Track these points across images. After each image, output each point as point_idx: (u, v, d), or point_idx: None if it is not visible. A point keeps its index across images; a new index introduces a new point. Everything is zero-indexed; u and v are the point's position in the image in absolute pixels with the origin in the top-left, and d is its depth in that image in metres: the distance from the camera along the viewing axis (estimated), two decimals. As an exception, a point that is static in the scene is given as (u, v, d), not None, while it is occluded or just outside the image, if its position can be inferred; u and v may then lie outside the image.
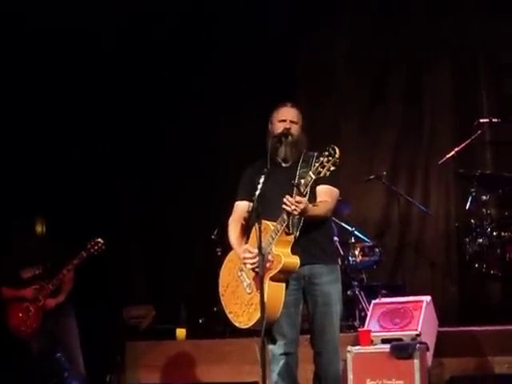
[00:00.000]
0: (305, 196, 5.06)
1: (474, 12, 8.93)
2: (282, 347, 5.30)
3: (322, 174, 4.97)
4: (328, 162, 4.94)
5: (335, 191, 5.39)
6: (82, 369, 7.29)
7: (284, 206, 5.03)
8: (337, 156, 4.92)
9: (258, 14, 9.44)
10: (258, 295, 5.08)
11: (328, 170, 4.95)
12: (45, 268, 7.39)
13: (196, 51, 9.69)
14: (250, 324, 5.25)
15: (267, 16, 9.40)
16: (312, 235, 5.29)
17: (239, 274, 5.37)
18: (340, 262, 8.17)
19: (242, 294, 5.33)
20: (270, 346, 5.30)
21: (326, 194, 5.32)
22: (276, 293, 5.14)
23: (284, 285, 5.21)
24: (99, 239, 7.27)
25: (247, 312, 5.26)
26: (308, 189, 5.06)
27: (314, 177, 5.00)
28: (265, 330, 4.98)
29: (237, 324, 5.35)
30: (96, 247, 7.26)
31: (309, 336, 5.40)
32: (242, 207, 5.51)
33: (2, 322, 7.41)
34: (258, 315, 5.12)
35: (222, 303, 5.45)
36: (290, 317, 5.31)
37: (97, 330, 8.44)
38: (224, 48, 9.71)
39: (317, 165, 4.97)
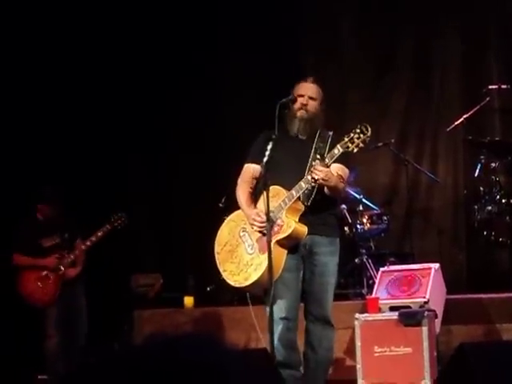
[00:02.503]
0: (328, 167, 5.08)
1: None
2: (283, 311, 5.31)
3: (350, 149, 5.04)
4: (358, 138, 5.00)
5: (347, 171, 5.44)
6: (83, 341, 7.36)
7: (313, 174, 5.03)
8: (368, 134, 5.01)
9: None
10: (260, 256, 5.20)
11: (357, 146, 5.01)
12: (62, 238, 7.43)
13: (201, 24, 9.60)
14: (247, 284, 5.32)
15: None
16: (317, 207, 5.31)
17: (241, 234, 5.41)
18: (348, 230, 8.19)
19: (241, 254, 5.38)
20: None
21: (339, 172, 5.32)
22: (278, 257, 5.18)
23: (286, 251, 5.24)
24: (123, 213, 7.36)
25: (245, 272, 5.32)
26: (332, 161, 5.09)
27: (341, 150, 5.06)
28: (263, 295, 5.14)
29: (231, 282, 5.41)
30: (119, 221, 7.38)
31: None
32: (251, 169, 5.53)
33: (13, 288, 7.44)
34: (255, 276, 5.23)
35: (217, 261, 5.51)
36: (291, 281, 5.35)
37: (104, 298, 8.46)
38: (228, 21, 9.63)
39: (346, 139, 5.01)
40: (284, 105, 5.40)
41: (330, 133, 5.47)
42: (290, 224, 5.18)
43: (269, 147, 5.10)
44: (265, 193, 4.99)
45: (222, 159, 8.93)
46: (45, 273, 7.34)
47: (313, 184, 5.15)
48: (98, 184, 8.99)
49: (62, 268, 7.33)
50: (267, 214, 4.99)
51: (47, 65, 9.03)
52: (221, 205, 8.40)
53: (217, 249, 5.52)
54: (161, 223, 9.82)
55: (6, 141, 8.75)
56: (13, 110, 8.86)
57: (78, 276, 7.43)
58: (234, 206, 5.66)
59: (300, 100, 5.43)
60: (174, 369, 1.79)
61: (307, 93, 5.46)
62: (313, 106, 5.45)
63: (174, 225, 9.69)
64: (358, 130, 5.01)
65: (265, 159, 5.07)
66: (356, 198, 8.32)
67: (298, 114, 5.43)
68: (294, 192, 5.19)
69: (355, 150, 5.03)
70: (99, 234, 7.35)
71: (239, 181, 5.56)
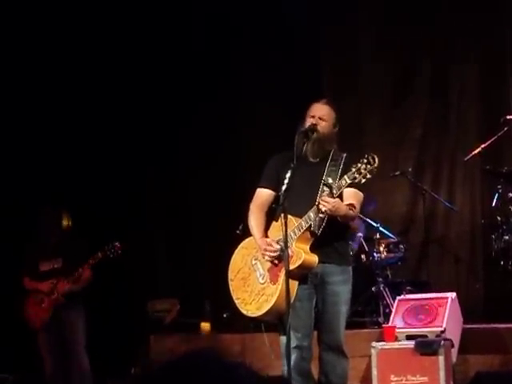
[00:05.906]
0: (335, 198, 5.11)
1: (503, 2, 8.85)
2: (295, 340, 5.29)
3: (357, 180, 5.03)
4: (365, 169, 4.99)
5: (361, 195, 5.42)
6: (85, 367, 7.33)
7: (321, 206, 5.06)
8: (375, 165, 4.99)
9: (282, 7, 9.42)
10: (271, 287, 5.22)
11: (364, 177, 5.00)
12: (65, 262, 7.43)
13: (218, 45, 9.67)
14: (259, 314, 5.33)
15: (291, 9, 9.38)
16: (329, 235, 5.32)
17: (253, 262, 5.42)
18: (365, 258, 8.20)
19: (253, 283, 5.39)
20: (283, 339, 5.28)
21: (352, 197, 5.34)
22: (290, 287, 5.17)
23: (297, 281, 5.25)
24: (117, 243, 7.32)
25: (257, 301, 5.32)
26: (339, 192, 5.11)
27: (349, 181, 5.06)
28: (277, 323, 5.18)
29: (243, 311, 5.42)
30: (112, 250, 7.32)
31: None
32: (263, 194, 5.56)
33: (18, 310, 7.46)
34: (267, 306, 5.24)
35: (230, 288, 5.52)
36: (304, 310, 5.35)
37: (121, 323, 8.48)
38: (248, 38, 9.69)
39: (354, 170, 5.01)
40: (303, 133, 5.42)
41: (344, 155, 5.44)
42: (299, 255, 5.18)
43: (287, 175, 5.11)
44: (283, 221, 5.00)
45: (240, 185, 8.97)
46: (41, 297, 7.37)
47: (321, 215, 5.17)
48: (114, 208, 9.03)
49: (56, 293, 7.34)
50: (285, 241, 5.01)
51: (60, 75, 9.08)
52: (238, 232, 8.41)
53: (230, 276, 5.54)
54: (178, 248, 9.84)
55: (16, 156, 8.83)
56: (24, 123, 8.93)
57: (71, 303, 7.42)
58: (251, 233, 5.67)
59: (311, 120, 5.42)
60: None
61: (317, 113, 5.44)
62: (323, 126, 5.42)
63: (191, 250, 9.70)
64: (366, 161, 4.99)
65: (284, 187, 5.09)
66: (373, 226, 8.34)
67: (308, 133, 5.39)
68: (303, 222, 5.20)
69: (363, 181, 5.03)
70: (90, 261, 7.33)
71: (251, 206, 5.59)
